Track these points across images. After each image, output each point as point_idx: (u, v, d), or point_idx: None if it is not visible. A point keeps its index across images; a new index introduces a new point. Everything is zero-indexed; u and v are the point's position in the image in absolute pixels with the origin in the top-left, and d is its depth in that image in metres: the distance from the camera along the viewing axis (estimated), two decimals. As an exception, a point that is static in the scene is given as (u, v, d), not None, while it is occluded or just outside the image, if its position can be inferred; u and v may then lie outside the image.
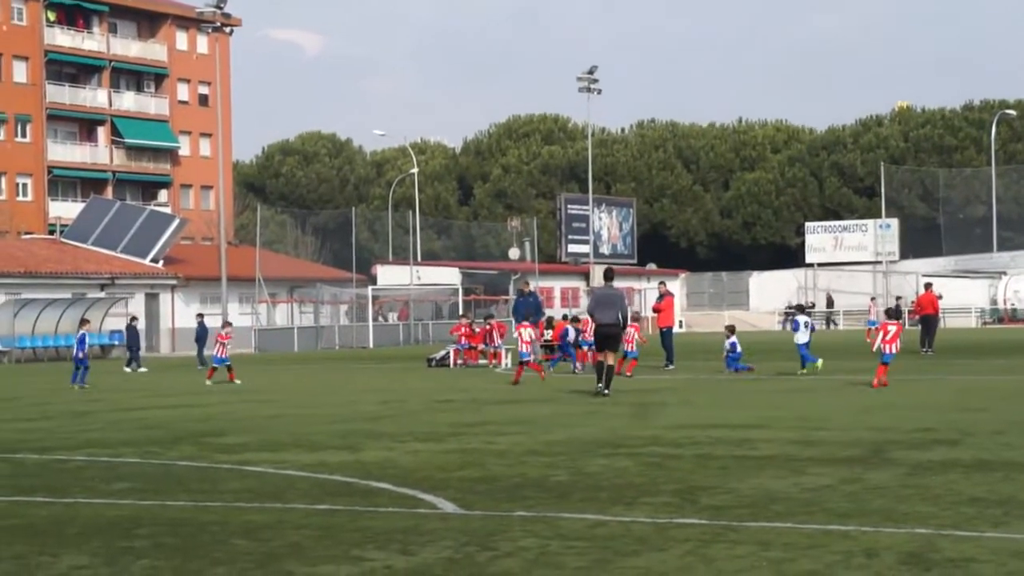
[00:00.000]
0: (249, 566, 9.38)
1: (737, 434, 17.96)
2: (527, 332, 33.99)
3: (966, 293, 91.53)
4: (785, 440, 17.09)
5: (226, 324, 36.89)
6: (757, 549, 9.72)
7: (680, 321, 37.21)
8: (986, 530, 10.36)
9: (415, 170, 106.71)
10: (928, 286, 46.80)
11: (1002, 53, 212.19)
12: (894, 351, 26.93)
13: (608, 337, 26.13)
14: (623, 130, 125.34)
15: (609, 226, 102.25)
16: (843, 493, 12.41)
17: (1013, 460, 14.64)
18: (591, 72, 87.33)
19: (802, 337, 31.59)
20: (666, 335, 36.75)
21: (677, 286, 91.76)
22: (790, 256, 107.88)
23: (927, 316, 43.98)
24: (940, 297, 49.75)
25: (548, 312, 48.50)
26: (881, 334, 27.10)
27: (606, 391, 25.67)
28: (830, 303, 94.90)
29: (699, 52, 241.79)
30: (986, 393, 25.31)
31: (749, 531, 10.49)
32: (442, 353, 43.43)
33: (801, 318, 32.32)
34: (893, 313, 27.63)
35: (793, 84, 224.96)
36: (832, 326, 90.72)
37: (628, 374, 31.71)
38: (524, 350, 32.88)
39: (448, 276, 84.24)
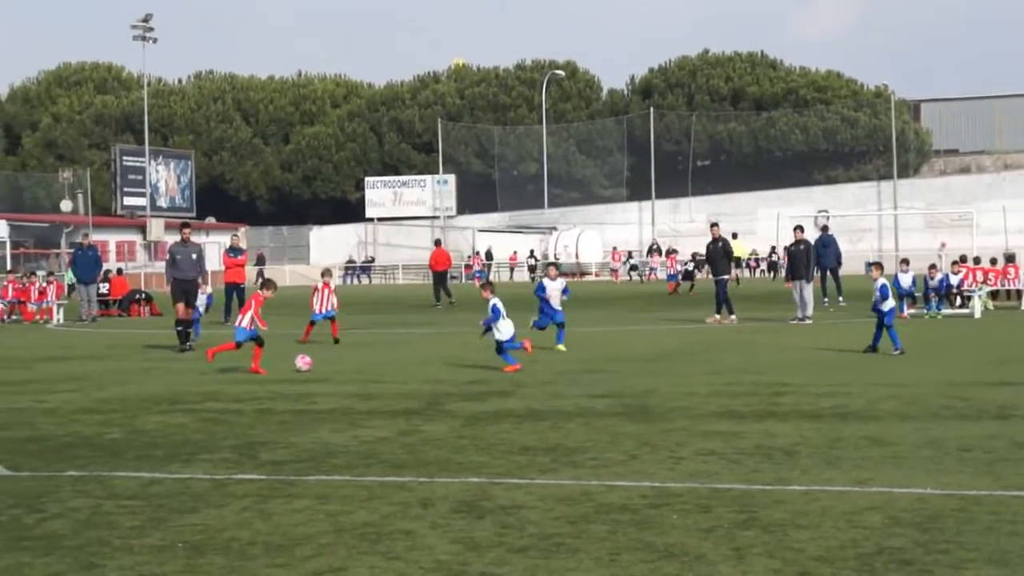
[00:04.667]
0: None
1: (297, 388, 17.94)
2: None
3: (520, 247, 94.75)
4: (344, 394, 17.19)
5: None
6: (316, 503, 9.73)
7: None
8: (535, 477, 10.72)
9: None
10: (438, 243, 48.94)
11: (552, 14, 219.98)
12: None
13: (187, 292, 26.27)
14: (180, 81, 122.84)
15: (167, 179, 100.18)
16: (400, 445, 12.59)
17: (561, 409, 15.22)
18: (146, 20, 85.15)
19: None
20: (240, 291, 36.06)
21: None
22: (350, 210, 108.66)
23: (440, 272, 45.80)
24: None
25: (105, 266, 47.11)
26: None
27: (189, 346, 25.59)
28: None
29: (258, 2, 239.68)
30: (535, 345, 26.19)
31: (308, 485, 10.49)
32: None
33: None
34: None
35: (352, 39, 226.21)
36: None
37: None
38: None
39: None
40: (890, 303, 22.74)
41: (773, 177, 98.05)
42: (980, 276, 37.22)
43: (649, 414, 14.61)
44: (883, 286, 22.62)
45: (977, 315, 32.62)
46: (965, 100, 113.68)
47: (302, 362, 20.65)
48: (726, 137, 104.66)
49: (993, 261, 40.03)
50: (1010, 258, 40.29)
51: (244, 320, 20.90)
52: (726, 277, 32.75)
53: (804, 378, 18.23)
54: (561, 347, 23.95)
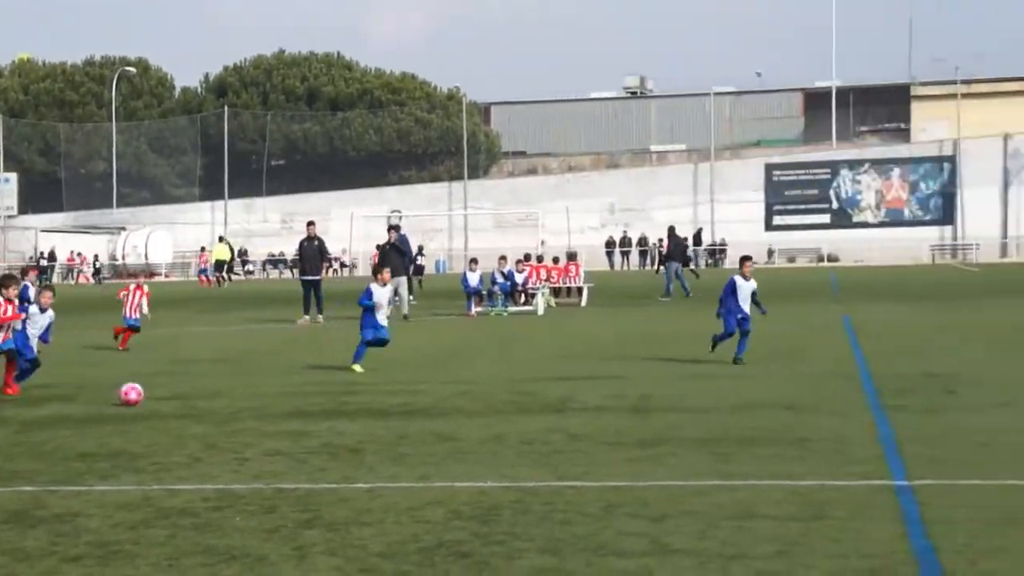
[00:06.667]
0: None
1: None
2: None
3: (87, 248, 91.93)
4: None
5: None
6: None
7: None
8: (95, 484, 10.39)
9: None
10: None
11: (123, 11, 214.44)
12: None
13: None
14: None
15: None
16: (-51, 454, 11.96)
17: (124, 413, 14.80)
18: None
19: None
20: None
21: None
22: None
23: None
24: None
25: None
26: None
27: None
28: None
29: None
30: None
31: None
32: None
33: None
34: None
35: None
36: None
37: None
38: None
39: None
40: None
41: (347, 177, 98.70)
42: (544, 274, 38.53)
43: (216, 415, 14.40)
44: None
45: (540, 312, 33.72)
46: (532, 104, 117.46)
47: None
48: (301, 137, 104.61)
49: (556, 260, 41.52)
50: (572, 256, 41.86)
51: None
52: (319, 277, 31.99)
53: (375, 377, 18.37)
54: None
